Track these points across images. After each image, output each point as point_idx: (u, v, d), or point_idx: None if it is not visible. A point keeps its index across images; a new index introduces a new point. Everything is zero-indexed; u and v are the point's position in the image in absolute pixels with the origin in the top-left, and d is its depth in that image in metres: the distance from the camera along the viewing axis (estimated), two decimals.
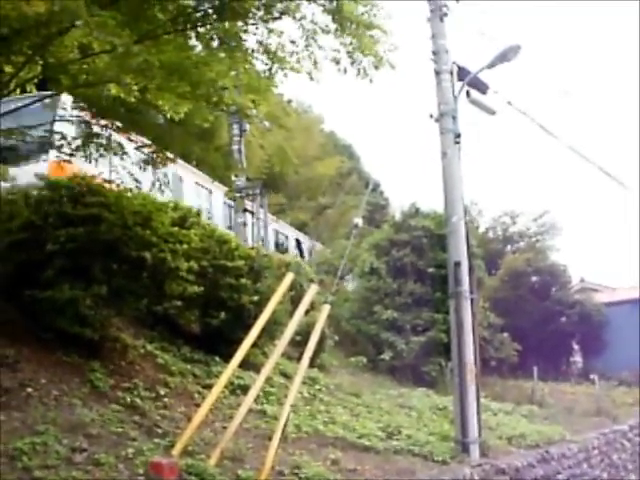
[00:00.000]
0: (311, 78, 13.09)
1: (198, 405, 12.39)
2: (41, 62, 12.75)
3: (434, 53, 16.39)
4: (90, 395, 11.77)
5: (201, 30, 12.80)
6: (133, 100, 13.49)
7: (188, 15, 12.43)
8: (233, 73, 12.85)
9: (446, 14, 16.50)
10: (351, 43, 12.65)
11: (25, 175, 14.96)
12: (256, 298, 16.77)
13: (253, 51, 13.03)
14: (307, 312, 12.53)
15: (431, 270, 28.94)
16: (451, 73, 16.38)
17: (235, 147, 31.21)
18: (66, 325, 12.59)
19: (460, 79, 16.48)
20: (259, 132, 31.37)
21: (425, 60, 16.50)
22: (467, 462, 14.05)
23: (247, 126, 30.16)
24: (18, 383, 10.94)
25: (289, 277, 11.99)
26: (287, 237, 42.18)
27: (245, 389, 13.87)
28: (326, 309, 12.13)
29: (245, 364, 13.29)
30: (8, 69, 12.82)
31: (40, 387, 11.16)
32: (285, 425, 10.78)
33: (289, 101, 47.62)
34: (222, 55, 12.89)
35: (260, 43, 12.85)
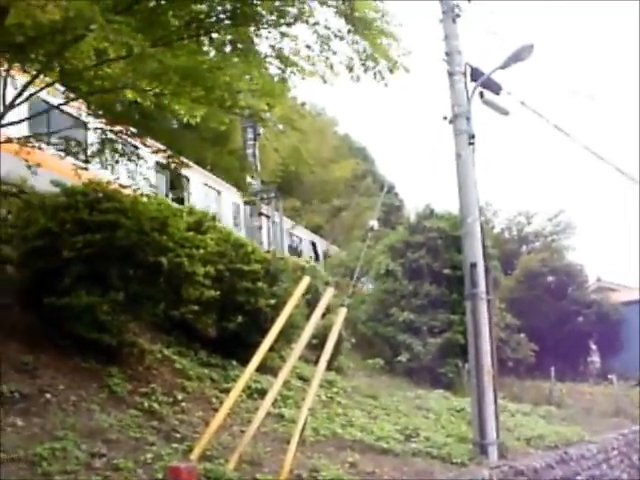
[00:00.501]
0: (325, 82, 13.11)
1: (216, 409, 12.39)
2: (57, 69, 12.79)
3: (447, 54, 16.32)
4: (108, 400, 11.80)
5: (214, 35, 12.82)
6: (149, 104, 13.55)
7: (201, 21, 12.46)
8: (247, 77, 12.88)
9: (458, 15, 16.43)
10: (365, 48, 12.65)
11: (41, 181, 15.06)
12: (273, 301, 16.81)
13: (267, 56, 13.06)
14: (324, 315, 12.51)
15: (447, 271, 28.90)
16: (464, 74, 16.32)
17: (249, 151, 31.29)
18: (84, 331, 12.63)
19: (473, 80, 16.41)
20: (273, 135, 31.38)
21: (438, 61, 16.45)
22: (485, 464, 13.98)
23: (261, 130, 30.19)
24: (37, 389, 10.99)
25: (305, 281, 11.98)
26: (302, 240, 42.20)
27: (263, 393, 13.86)
28: (343, 312, 12.11)
29: (262, 368, 13.28)
30: (24, 77, 12.91)
31: (59, 393, 11.21)
32: (303, 428, 10.76)
33: (302, 104, 47.70)
34: (235, 60, 12.91)
35: (273, 48, 12.86)
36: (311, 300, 15.94)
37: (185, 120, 14.07)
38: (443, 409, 20.34)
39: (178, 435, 11.34)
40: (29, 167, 13.93)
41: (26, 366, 11.51)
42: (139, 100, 13.61)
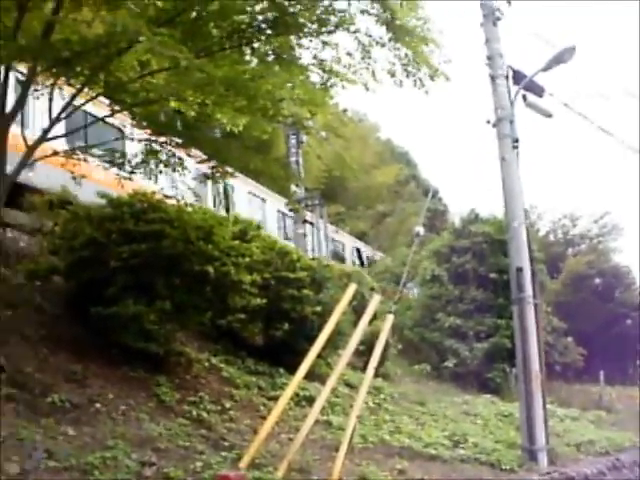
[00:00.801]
0: (367, 89, 13.08)
1: (264, 417, 12.43)
2: (101, 82, 12.90)
3: (489, 58, 16.23)
4: (157, 409, 11.91)
5: (256, 45, 12.86)
6: (193, 114, 13.61)
7: (243, 31, 12.49)
8: (289, 85, 12.90)
9: (499, 18, 16.34)
10: (406, 55, 12.61)
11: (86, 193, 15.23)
12: (319, 309, 16.85)
13: (308, 64, 13.07)
14: (370, 321, 12.49)
15: (493, 276, 28.72)
16: (506, 77, 16.23)
17: (293, 158, 31.38)
18: (131, 340, 12.75)
19: (515, 83, 16.32)
20: (316, 142, 31.46)
21: (479, 65, 16.37)
22: (535, 470, 13.83)
23: (304, 137, 30.24)
24: (87, 398, 11.11)
25: (352, 288, 11.96)
26: (346, 246, 42.15)
27: (310, 400, 13.88)
28: (390, 319, 12.07)
29: (309, 375, 13.26)
30: (69, 90, 13.05)
31: (108, 402, 11.32)
32: (352, 436, 10.74)
33: (344, 110, 47.70)
34: (277, 68, 12.93)
35: (315, 57, 12.87)
36: (357, 306, 15.92)
37: (228, 129, 14.12)
38: (491, 414, 20.21)
39: (227, 443, 11.38)
40: (74, 179, 14.06)
41: (75, 375, 11.65)
42: (183, 110, 13.70)
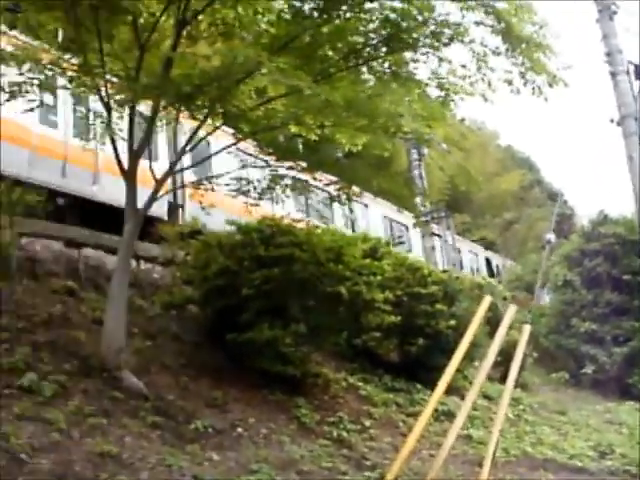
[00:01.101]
0: (485, 100, 12.93)
1: (404, 434, 12.40)
2: (221, 111, 13.14)
3: (607, 54, 15.93)
4: (297, 431, 12.01)
5: (372, 63, 12.89)
6: (313, 138, 13.74)
7: (358, 51, 12.55)
8: (406, 99, 12.88)
9: (615, 12, 16.01)
10: (523, 63, 12.41)
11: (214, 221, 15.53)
12: (453, 322, 16.73)
13: (425, 79, 13.02)
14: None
15: (627, 277, 27.98)
16: (627, 73, 15.86)
17: (416, 172, 31.28)
18: (268, 364, 12.92)
19: (638, 78, 15.94)
20: (437, 154, 31.30)
21: (597, 62, 16.04)
22: None
23: (425, 150, 30.13)
24: (229, 424, 11.30)
25: (487, 300, 11.77)
26: (476, 256, 41.76)
27: (449, 415, 13.80)
28: (527, 330, 11.84)
29: (447, 389, 13.19)
30: (190, 123, 13.35)
31: (249, 426, 11.48)
32: (495, 449, 10.60)
33: (462, 119, 47.39)
34: (394, 85, 12.93)
35: (434, 73, 12.80)
36: (491, 317, 15.76)
37: (347, 149, 14.19)
38: (636, 423, 19.59)
39: (369, 462, 11.39)
40: (203, 209, 14.33)
41: (216, 401, 11.90)
42: (303, 134, 13.84)
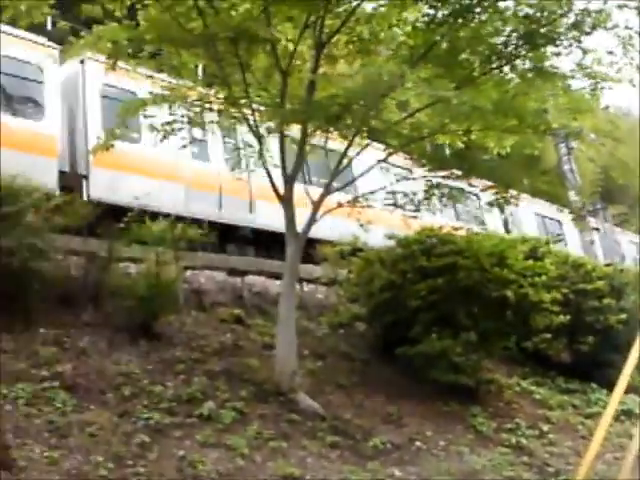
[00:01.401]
0: (634, 85, 12.54)
1: (584, 437, 12.13)
2: (367, 128, 13.19)
3: None
4: (475, 440, 11.90)
5: (515, 62, 12.70)
6: (460, 145, 13.64)
7: (500, 51, 12.39)
8: (549, 93, 12.64)
9: None
10: None
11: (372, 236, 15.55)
12: (623, 316, 16.25)
13: (570, 71, 12.73)
14: None
15: None
16: None
17: (566, 167, 30.60)
18: (439, 375, 12.86)
19: None
20: (587, 145, 30.56)
21: None
22: None
23: (574, 143, 29.44)
24: (406, 438, 11.30)
25: None
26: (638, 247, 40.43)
27: (629, 414, 13.32)
28: None
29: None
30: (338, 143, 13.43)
31: (427, 439, 11.46)
32: None
33: (606, 107, 46.15)
34: (538, 82, 12.69)
35: (578, 64, 12.50)
36: None
37: (495, 152, 13.99)
38: None
39: (551, 469, 11.21)
40: (361, 226, 14.35)
41: (392, 417, 11.94)
42: (449, 142, 13.76)
